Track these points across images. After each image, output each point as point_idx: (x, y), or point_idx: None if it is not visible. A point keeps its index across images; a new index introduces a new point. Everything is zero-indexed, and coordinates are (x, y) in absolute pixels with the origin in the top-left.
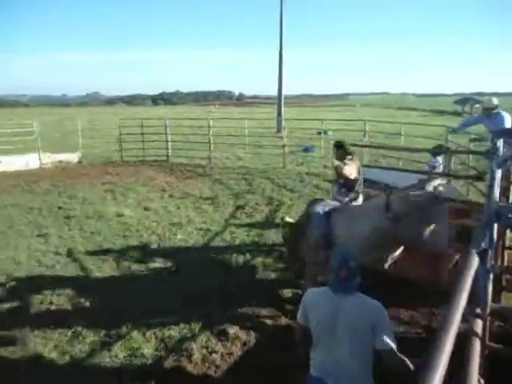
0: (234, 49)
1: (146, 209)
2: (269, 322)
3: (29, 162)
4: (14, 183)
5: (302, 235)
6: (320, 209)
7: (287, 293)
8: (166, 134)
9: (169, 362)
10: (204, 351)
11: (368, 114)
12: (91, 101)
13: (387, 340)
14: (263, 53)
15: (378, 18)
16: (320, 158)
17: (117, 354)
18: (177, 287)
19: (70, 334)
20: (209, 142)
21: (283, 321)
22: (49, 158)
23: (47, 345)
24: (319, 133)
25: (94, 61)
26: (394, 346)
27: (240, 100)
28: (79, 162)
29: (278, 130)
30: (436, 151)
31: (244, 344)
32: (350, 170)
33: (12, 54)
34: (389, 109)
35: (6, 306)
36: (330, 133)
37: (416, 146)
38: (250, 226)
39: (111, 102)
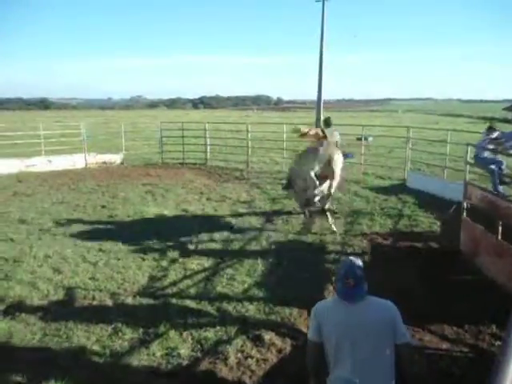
0: (273, 54)
1: (184, 210)
2: (305, 329)
3: (76, 161)
4: (61, 182)
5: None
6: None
7: None
8: (205, 137)
9: (204, 364)
10: (239, 355)
11: (411, 120)
12: (135, 104)
13: (406, 334)
14: (302, 57)
15: (423, 25)
16: (359, 164)
17: (154, 353)
18: (213, 288)
19: (110, 329)
20: (247, 146)
21: None
22: (94, 159)
23: (90, 338)
24: (359, 139)
25: (137, 66)
26: (410, 339)
27: (278, 104)
28: (122, 163)
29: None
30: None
31: (279, 351)
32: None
33: (62, 59)
34: (432, 115)
35: (53, 299)
36: (370, 139)
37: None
38: (287, 231)
39: (153, 105)
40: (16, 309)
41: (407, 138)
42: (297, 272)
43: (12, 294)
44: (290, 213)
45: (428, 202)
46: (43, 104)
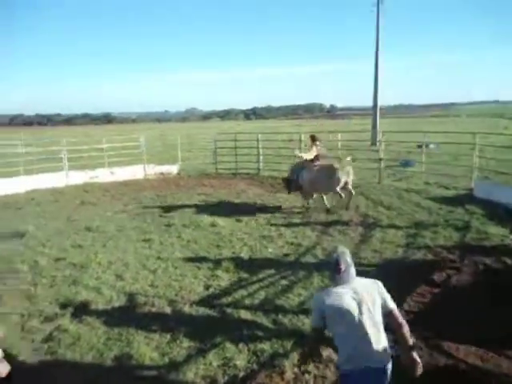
0: (325, 61)
1: (238, 220)
2: None
3: (135, 172)
4: (122, 192)
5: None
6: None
7: None
8: (257, 147)
9: (261, 377)
10: (296, 370)
11: (475, 126)
12: (190, 116)
13: (390, 304)
14: (357, 63)
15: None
16: (421, 173)
17: (211, 362)
18: (267, 300)
19: (169, 336)
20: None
21: None
22: (152, 170)
23: (149, 344)
24: (420, 146)
25: (192, 79)
26: (394, 305)
27: (331, 112)
28: (178, 173)
29: (373, 143)
30: None
31: (338, 368)
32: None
33: (123, 75)
34: (500, 119)
35: (116, 304)
36: (432, 146)
37: None
38: (344, 243)
39: (207, 116)
40: (83, 312)
41: (474, 145)
42: None
43: (79, 298)
44: (346, 224)
45: (498, 212)
46: (106, 118)
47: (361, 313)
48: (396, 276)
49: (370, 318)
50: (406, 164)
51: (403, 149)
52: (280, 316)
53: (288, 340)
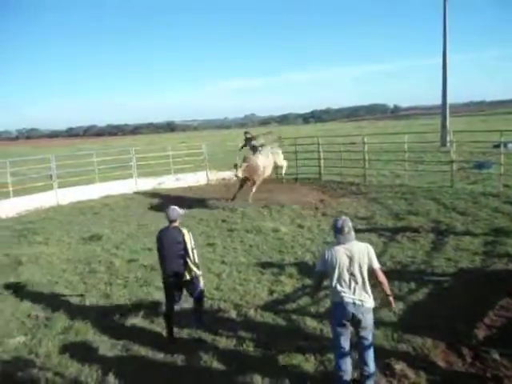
0: (387, 60)
1: (299, 226)
2: (442, 364)
3: (199, 178)
4: (187, 197)
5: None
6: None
7: None
8: (318, 151)
9: None
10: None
11: None
12: (248, 122)
13: (375, 262)
14: (421, 60)
15: None
16: (499, 175)
17: (278, 368)
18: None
19: (235, 340)
20: (363, 159)
21: (460, 365)
22: (214, 176)
23: (217, 348)
24: (497, 146)
25: (250, 86)
26: (378, 265)
27: (395, 113)
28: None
29: (443, 144)
30: None
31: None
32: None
33: (183, 84)
34: None
35: (184, 305)
36: (511, 145)
37: None
38: (414, 251)
39: (265, 121)
40: (154, 312)
41: None
42: (428, 298)
43: (150, 298)
44: (416, 230)
45: None
46: (169, 127)
47: (350, 266)
48: (474, 287)
49: (358, 272)
50: (482, 166)
51: (477, 149)
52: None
53: (355, 351)
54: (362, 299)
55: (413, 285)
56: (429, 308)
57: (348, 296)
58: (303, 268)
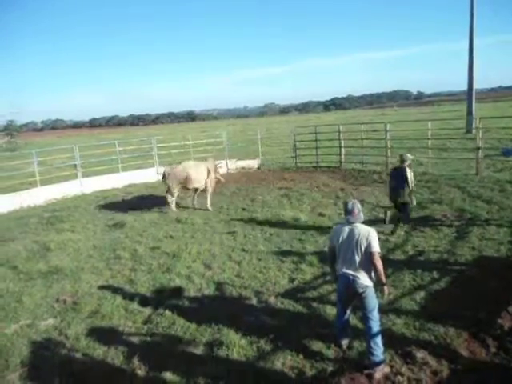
0: (410, 45)
1: (320, 214)
2: (465, 353)
3: None
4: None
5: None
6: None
7: None
8: (339, 139)
9: (349, 374)
10: (387, 370)
11: None
12: (268, 111)
13: (376, 247)
14: (446, 44)
15: None
16: None
17: (298, 354)
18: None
19: (256, 326)
20: (385, 147)
21: (483, 355)
22: (234, 165)
23: (237, 332)
24: None
25: (269, 74)
26: (377, 249)
27: (419, 99)
28: (258, 167)
29: (468, 131)
30: None
31: (435, 373)
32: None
33: (204, 74)
34: None
35: (206, 292)
36: None
37: None
38: (437, 240)
39: (285, 110)
40: (176, 298)
41: None
42: (451, 287)
43: (172, 284)
44: (439, 219)
45: None
46: (190, 116)
47: (350, 244)
48: (498, 276)
49: (356, 251)
50: (509, 153)
51: (505, 136)
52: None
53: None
54: (357, 275)
55: (435, 274)
56: (451, 297)
57: (346, 270)
58: (323, 256)
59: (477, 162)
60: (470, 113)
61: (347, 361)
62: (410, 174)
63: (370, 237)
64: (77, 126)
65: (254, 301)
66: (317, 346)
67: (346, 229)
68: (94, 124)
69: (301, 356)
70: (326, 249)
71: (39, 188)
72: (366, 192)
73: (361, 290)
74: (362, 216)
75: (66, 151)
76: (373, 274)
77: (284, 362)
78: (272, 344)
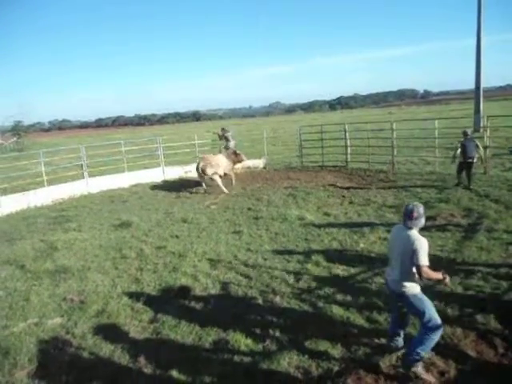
0: (416, 42)
1: (326, 214)
2: (472, 353)
3: None
4: (214, 186)
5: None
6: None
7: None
8: (345, 138)
9: (356, 374)
10: (392, 371)
11: None
12: (273, 110)
13: (420, 259)
14: (454, 42)
15: None
16: None
17: (304, 354)
18: (361, 297)
19: (261, 325)
20: (391, 146)
21: (491, 356)
22: (240, 164)
23: (243, 331)
24: None
25: (274, 73)
26: (423, 263)
27: (425, 98)
28: (264, 167)
29: (476, 130)
30: None
31: (441, 373)
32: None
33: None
34: None
35: (212, 291)
36: None
37: None
38: (444, 239)
39: (290, 109)
40: (182, 297)
41: None
42: (460, 288)
43: (178, 284)
44: (446, 219)
45: None
46: (195, 116)
47: (393, 248)
48: (506, 276)
49: (396, 256)
50: None
51: None
52: (375, 314)
53: (384, 338)
54: (398, 277)
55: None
56: (459, 297)
57: (388, 272)
58: (330, 256)
59: (484, 161)
60: (477, 111)
61: (354, 360)
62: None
63: (418, 248)
64: (83, 125)
65: (260, 300)
66: (323, 345)
67: (394, 231)
68: (100, 124)
69: (307, 355)
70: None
71: (46, 188)
72: (373, 191)
73: (401, 291)
74: (420, 222)
75: (72, 151)
76: (417, 277)
77: (290, 361)
78: (278, 343)
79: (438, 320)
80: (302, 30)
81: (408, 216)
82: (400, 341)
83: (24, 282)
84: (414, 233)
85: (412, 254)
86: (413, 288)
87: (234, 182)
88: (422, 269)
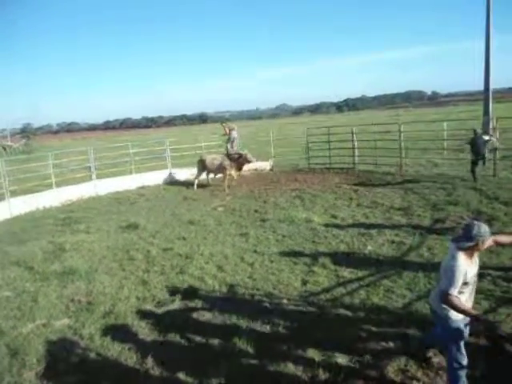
0: (424, 44)
1: (333, 216)
2: (483, 359)
3: None
4: (220, 188)
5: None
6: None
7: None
8: (352, 140)
9: (364, 378)
10: (401, 376)
11: None
12: (280, 112)
13: (446, 283)
14: (460, 43)
15: None
16: None
17: (312, 357)
18: (368, 300)
19: (268, 328)
20: (399, 148)
21: (501, 362)
22: (246, 166)
23: (250, 334)
24: None
25: (281, 75)
26: (446, 289)
27: (433, 99)
28: (271, 169)
29: (486, 132)
30: None
31: None
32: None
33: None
34: None
35: (218, 294)
36: None
37: None
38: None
39: (297, 111)
40: (189, 299)
41: None
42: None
43: (185, 285)
44: (455, 222)
45: None
46: (202, 118)
47: (442, 263)
48: None
49: (441, 275)
50: None
51: None
52: (383, 317)
53: (392, 342)
54: (435, 296)
55: None
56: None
57: (433, 289)
58: (337, 259)
59: (494, 163)
60: (486, 113)
61: (362, 364)
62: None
63: (445, 269)
64: (91, 128)
65: (267, 303)
66: (330, 349)
67: (450, 246)
68: (107, 126)
69: (315, 359)
70: None
71: (55, 190)
72: (380, 193)
73: (434, 308)
74: (467, 243)
75: (80, 153)
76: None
77: (297, 364)
78: (285, 346)
79: (462, 360)
80: (309, 31)
81: (462, 234)
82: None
83: (32, 283)
84: (459, 254)
85: (443, 278)
86: (450, 312)
87: (232, 183)
88: (443, 296)
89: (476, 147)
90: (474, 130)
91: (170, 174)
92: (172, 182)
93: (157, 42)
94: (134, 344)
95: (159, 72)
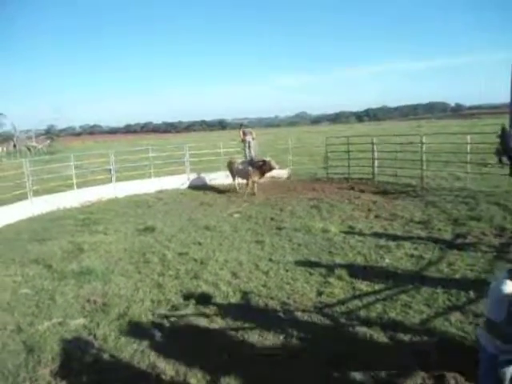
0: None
1: (350, 227)
2: None
3: None
4: (237, 195)
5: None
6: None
7: None
8: (372, 151)
9: None
10: None
11: None
12: (299, 120)
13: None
14: (486, 55)
15: None
16: None
17: (324, 370)
18: (385, 314)
19: (281, 337)
20: (421, 160)
21: None
22: (269, 173)
23: (263, 343)
24: None
25: (301, 83)
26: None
27: (457, 111)
28: (288, 177)
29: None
30: None
31: None
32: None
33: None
34: None
35: (232, 300)
36: None
37: None
38: (474, 259)
39: (317, 120)
40: (202, 305)
41: None
42: None
43: (199, 291)
44: (478, 237)
45: None
46: (221, 125)
47: None
48: None
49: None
50: None
51: None
52: (399, 333)
53: (409, 359)
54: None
55: (472, 294)
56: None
57: None
58: (353, 271)
59: None
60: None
61: (376, 381)
62: None
63: (491, 295)
64: (112, 131)
65: (280, 312)
66: (344, 363)
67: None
68: (128, 130)
69: (327, 373)
70: None
71: (75, 190)
72: (400, 206)
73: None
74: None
75: (101, 156)
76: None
77: (308, 378)
78: (297, 357)
79: None
80: (331, 39)
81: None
82: None
83: (51, 281)
84: (508, 283)
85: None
86: (487, 349)
87: (254, 190)
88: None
89: (505, 142)
90: (503, 127)
91: (189, 178)
92: (190, 186)
93: (175, 47)
94: (147, 347)
95: (179, 78)
